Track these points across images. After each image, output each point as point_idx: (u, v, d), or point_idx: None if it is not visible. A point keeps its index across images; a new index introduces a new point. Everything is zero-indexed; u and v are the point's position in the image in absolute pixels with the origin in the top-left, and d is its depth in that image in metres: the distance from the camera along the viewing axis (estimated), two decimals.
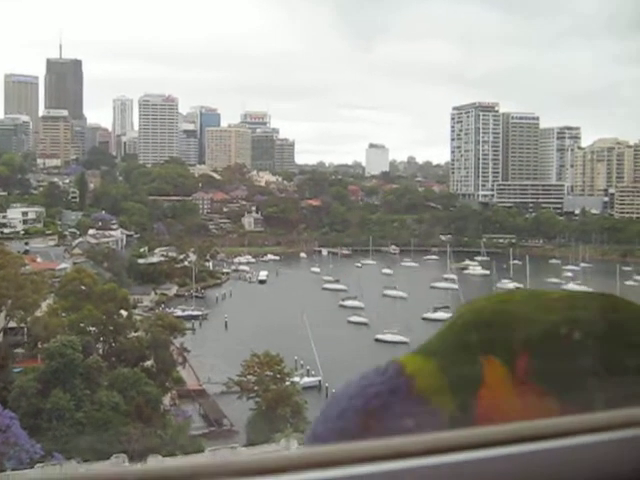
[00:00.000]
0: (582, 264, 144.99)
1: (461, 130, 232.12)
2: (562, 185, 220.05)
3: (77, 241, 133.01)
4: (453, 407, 1.59)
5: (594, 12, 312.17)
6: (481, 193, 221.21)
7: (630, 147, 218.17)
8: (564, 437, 1.21)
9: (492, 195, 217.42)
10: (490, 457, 1.15)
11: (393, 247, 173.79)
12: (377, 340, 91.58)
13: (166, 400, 62.71)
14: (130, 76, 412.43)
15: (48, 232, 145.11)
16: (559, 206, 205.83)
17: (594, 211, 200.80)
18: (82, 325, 65.49)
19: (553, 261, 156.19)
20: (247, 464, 1.00)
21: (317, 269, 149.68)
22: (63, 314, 67.89)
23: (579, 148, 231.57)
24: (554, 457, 1.20)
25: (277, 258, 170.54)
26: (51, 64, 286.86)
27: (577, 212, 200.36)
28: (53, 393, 51.73)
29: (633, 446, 1.26)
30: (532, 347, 1.61)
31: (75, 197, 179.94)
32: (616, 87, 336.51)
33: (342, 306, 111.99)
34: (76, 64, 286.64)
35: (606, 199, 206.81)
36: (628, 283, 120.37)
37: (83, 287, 72.08)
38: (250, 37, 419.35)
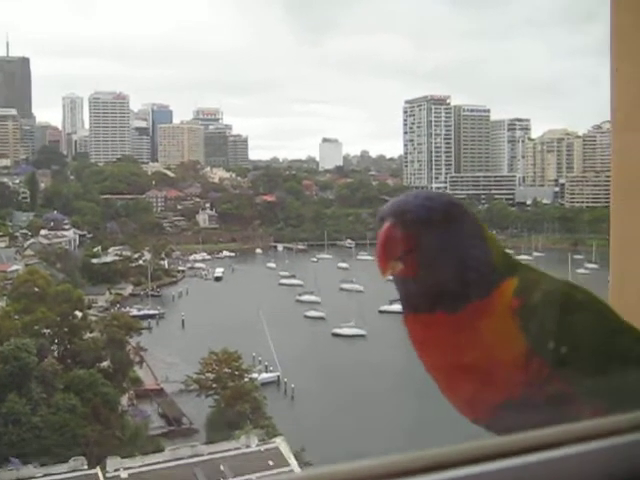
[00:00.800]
0: (535, 253, 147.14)
1: (413, 123, 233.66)
2: (514, 176, 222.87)
3: (29, 242, 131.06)
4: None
5: (546, 3, 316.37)
6: (434, 185, 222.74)
7: (579, 137, 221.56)
8: (547, 449, 1.19)
9: (445, 187, 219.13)
10: (476, 474, 1.14)
11: (349, 241, 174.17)
12: (334, 334, 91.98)
13: (124, 400, 62.34)
14: (79, 73, 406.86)
15: None
16: (511, 197, 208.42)
17: (545, 201, 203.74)
18: (36, 327, 64.63)
19: (506, 251, 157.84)
20: None
21: (273, 265, 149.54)
22: (16, 317, 66.85)
23: (529, 139, 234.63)
24: (537, 471, 1.18)
25: (232, 255, 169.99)
26: None
27: (529, 202, 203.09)
28: (8, 397, 51.07)
29: (615, 455, 1.26)
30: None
31: (26, 197, 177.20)
32: (567, 78, 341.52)
33: (299, 301, 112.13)
34: (24, 62, 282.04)
35: (557, 189, 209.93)
36: (579, 271, 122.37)
37: (36, 289, 71.14)
38: (200, 33, 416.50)
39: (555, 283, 1.91)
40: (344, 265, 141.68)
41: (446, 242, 1.74)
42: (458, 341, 1.73)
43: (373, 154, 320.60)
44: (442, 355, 1.78)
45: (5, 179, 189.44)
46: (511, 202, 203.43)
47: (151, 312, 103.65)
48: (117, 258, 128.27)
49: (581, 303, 1.88)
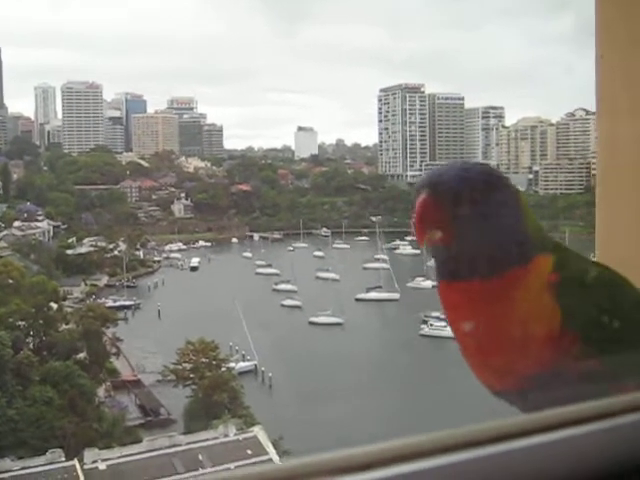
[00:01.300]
0: None
1: (388, 111, 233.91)
2: (488, 164, 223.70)
3: (2, 234, 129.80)
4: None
5: None
6: (409, 174, 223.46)
7: (552, 125, 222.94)
8: (544, 432, 1.20)
9: (420, 175, 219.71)
10: (471, 459, 1.14)
11: (324, 229, 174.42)
12: (311, 323, 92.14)
13: (101, 392, 62.10)
14: (52, 63, 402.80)
15: None
16: None
17: (520, 188, 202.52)
18: (11, 320, 64.12)
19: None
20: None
21: (249, 254, 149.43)
22: None
23: (503, 127, 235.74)
24: (535, 454, 1.18)
25: (208, 244, 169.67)
26: None
27: None
28: None
29: (612, 437, 1.25)
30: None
31: None
32: (541, 66, 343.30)
33: (275, 290, 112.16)
34: None
35: (531, 176, 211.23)
36: None
37: (10, 281, 70.64)
38: (173, 21, 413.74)
39: (591, 263, 1.94)
40: (320, 254, 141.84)
41: (482, 212, 1.76)
42: (492, 309, 1.74)
43: (348, 142, 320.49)
44: (474, 322, 1.78)
45: None
46: None
47: (127, 303, 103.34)
48: (92, 249, 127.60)
49: (616, 282, 1.90)
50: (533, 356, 1.74)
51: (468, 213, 1.75)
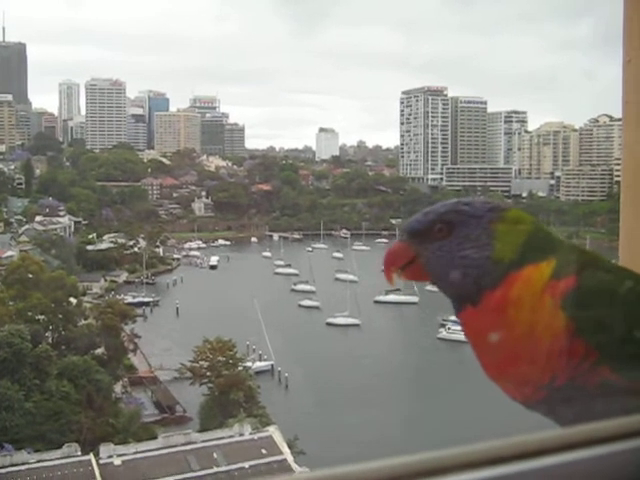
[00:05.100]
0: None
1: (410, 114, 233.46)
2: (510, 168, 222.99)
3: (24, 228, 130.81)
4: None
5: None
6: (430, 176, 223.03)
7: (575, 131, 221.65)
8: (563, 451, 1.17)
9: (441, 178, 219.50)
10: (498, 476, 1.11)
11: (344, 231, 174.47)
12: (329, 324, 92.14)
13: (117, 388, 62.33)
14: (76, 60, 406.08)
15: None
16: (507, 189, 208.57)
17: (541, 194, 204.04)
18: (30, 314, 64.54)
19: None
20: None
21: (268, 254, 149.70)
22: (10, 303, 66.76)
23: (526, 132, 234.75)
24: (552, 474, 1.15)
25: (228, 243, 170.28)
26: None
27: (524, 195, 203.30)
28: (1, 384, 50.99)
29: (633, 458, 1.22)
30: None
31: (21, 183, 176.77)
32: (561, 72, 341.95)
33: (294, 290, 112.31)
34: (20, 47, 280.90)
35: (552, 182, 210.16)
36: None
37: (30, 275, 70.98)
38: (195, 21, 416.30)
39: (602, 263, 1.79)
40: (339, 255, 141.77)
41: (439, 249, 1.81)
42: (492, 329, 1.74)
43: (370, 144, 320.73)
44: (483, 344, 1.77)
45: (0, 165, 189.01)
46: (507, 194, 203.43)
47: (146, 299, 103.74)
48: (112, 245, 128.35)
49: (631, 287, 1.73)
50: (544, 365, 1.69)
51: (426, 252, 1.83)
